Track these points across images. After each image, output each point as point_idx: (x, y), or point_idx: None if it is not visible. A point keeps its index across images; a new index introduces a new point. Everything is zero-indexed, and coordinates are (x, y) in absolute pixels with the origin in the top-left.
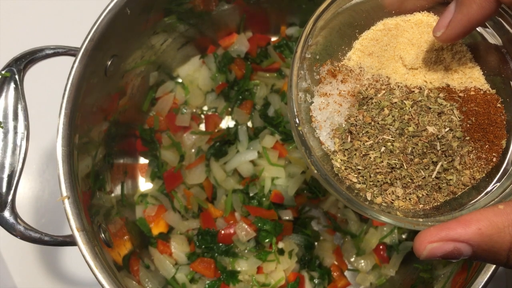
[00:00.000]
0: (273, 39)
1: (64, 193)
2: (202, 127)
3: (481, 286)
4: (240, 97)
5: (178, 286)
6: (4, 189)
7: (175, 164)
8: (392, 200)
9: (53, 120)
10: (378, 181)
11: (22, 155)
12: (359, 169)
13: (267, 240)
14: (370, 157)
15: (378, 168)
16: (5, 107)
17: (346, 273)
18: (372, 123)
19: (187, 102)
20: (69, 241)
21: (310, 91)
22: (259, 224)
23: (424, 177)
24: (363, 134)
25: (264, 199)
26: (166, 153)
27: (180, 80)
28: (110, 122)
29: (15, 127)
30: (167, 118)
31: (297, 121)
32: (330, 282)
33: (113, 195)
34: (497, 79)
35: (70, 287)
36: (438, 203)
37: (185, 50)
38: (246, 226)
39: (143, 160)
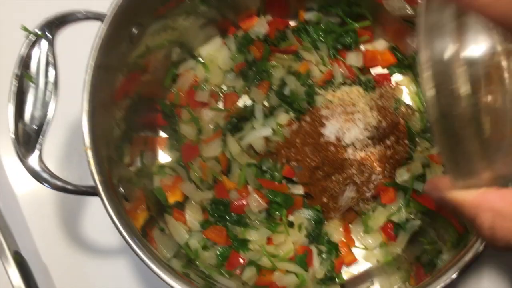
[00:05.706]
0: (292, 23)
1: (88, 145)
2: (220, 105)
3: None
4: (258, 77)
5: (191, 252)
6: (32, 138)
7: (193, 137)
8: None
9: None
10: None
11: (51, 110)
12: None
13: (277, 213)
14: None
15: None
16: (37, 64)
17: (354, 249)
18: None
19: (207, 80)
20: (91, 191)
21: None
22: (271, 196)
23: None
24: None
25: (276, 173)
26: (185, 127)
27: (201, 59)
28: (133, 94)
29: (46, 83)
30: (187, 94)
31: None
32: (337, 257)
33: (131, 168)
34: None
35: (89, 250)
36: None
37: (207, 30)
38: (258, 198)
39: (162, 134)
